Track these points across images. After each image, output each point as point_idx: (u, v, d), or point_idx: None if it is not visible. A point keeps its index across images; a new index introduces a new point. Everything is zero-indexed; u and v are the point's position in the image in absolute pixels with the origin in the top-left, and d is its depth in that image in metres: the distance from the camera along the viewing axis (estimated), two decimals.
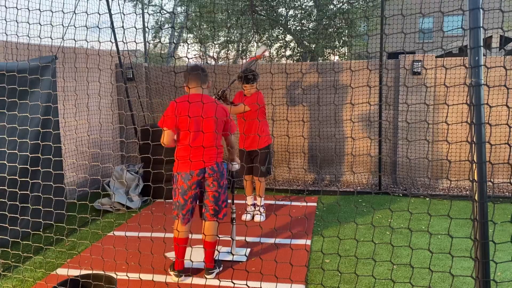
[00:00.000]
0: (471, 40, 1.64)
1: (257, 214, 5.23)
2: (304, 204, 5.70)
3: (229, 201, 4.00)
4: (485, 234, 1.77)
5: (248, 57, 13.92)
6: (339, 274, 3.72)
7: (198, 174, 3.44)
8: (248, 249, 4.25)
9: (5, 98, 3.97)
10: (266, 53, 5.38)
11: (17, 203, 3.83)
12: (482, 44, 1.64)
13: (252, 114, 4.95)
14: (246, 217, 5.25)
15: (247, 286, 2.64)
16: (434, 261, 3.97)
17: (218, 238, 3.70)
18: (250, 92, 5.01)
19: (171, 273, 3.61)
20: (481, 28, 1.63)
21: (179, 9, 16.18)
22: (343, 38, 13.28)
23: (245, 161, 5.10)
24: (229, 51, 16.06)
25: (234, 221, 4.09)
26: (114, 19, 6.46)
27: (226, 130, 3.66)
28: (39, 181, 4.29)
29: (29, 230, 4.11)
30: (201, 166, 3.42)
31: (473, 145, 1.72)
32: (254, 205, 5.37)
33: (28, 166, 3.79)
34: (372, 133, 6.58)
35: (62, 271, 3.81)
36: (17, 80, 3.94)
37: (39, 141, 4.47)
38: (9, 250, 3.72)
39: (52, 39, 2.86)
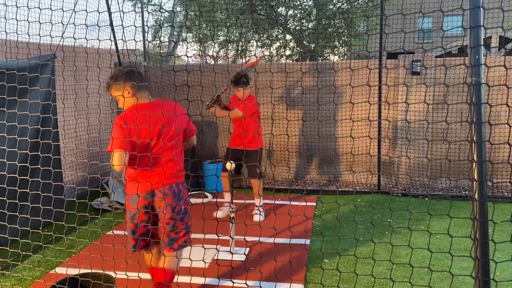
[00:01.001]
0: (471, 39, 1.64)
1: (256, 214, 5.24)
2: (304, 203, 5.70)
3: (228, 200, 3.99)
4: (485, 233, 1.77)
5: (247, 56, 13.92)
6: (338, 274, 3.72)
7: (146, 197, 2.92)
8: (247, 249, 4.25)
9: (5, 96, 3.97)
10: (265, 55, 5.41)
11: (16, 201, 3.83)
12: (482, 43, 1.64)
13: (247, 118, 4.99)
14: (217, 213, 5.28)
15: (247, 285, 2.63)
16: (433, 261, 3.97)
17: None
18: (244, 95, 5.03)
19: None
20: (482, 27, 1.63)
21: (178, 8, 16.17)
22: (343, 38, 13.29)
23: (232, 159, 5.11)
24: (229, 50, 16.06)
25: (233, 220, 4.09)
26: (113, 18, 6.46)
27: (187, 136, 3.16)
28: (39, 179, 4.28)
29: (28, 229, 4.10)
30: (148, 188, 2.89)
31: (473, 144, 1.72)
32: (229, 203, 5.40)
33: (27, 164, 3.79)
34: (372, 132, 6.59)
35: (61, 270, 3.81)
36: (16, 78, 3.93)
37: (38, 139, 4.47)
38: (7, 248, 3.71)
39: (52, 37, 2.85)
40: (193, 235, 4.22)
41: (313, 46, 13.10)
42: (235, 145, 5.16)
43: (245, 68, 5.24)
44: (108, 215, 5.43)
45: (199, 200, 5.84)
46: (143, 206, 2.93)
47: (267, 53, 5.42)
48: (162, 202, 2.92)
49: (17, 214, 3.99)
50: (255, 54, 5.24)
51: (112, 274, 2.86)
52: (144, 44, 8.55)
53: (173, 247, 3.03)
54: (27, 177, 3.70)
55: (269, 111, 6.83)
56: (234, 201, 4.23)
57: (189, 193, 6.01)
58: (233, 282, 2.57)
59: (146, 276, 3.55)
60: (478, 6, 1.61)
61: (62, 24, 2.84)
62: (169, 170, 2.91)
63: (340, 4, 13.08)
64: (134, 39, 2.63)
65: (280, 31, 14.04)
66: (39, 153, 4.26)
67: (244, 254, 4.13)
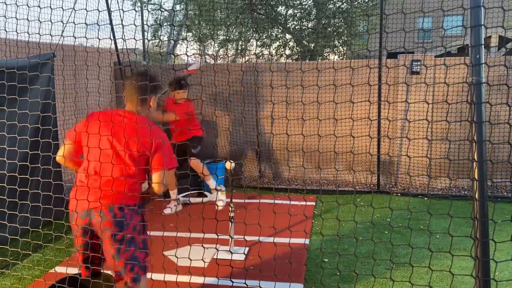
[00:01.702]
0: (472, 38, 1.64)
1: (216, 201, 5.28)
2: (303, 203, 5.70)
3: (229, 200, 3.98)
4: (486, 232, 1.77)
5: (247, 55, 13.92)
6: (338, 273, 3.72)
7: (83, 216, 2.51)
8: (247, 248, 4.25)
9: (4, 95, 3.96)
10: (202, 66, 5.58)
11: (16, 200, 3.83)
12: (483, 42, 1.64)
13: (183, 123, 5.14)
14: (165, 211, 5.41)
15: (246, 285, 2.63)
16: (433, 261, 3.97)
17: None
18: (181, 99, 5.23)
19: None
20: (483, 26, 1.63)
21: (178, 7, 16.17)
22: (343, 38, 13.30)
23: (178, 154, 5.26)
24: (228, 49, 16.05)
25: (232, 220, 4.09)
26: (113, 17, 6.45)
27: (156, 164, 2.56)
28: (38, 178, 4.28)
29: (28, 227, 4.10)
30: (86, 207, 2.49)
31: (474, 143, 1.72)
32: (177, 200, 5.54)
33: (27, 163, 3.79)
34: (372, 132, 6.59)
35: (60, 269, 3.80)
36: (16, 77, 3.93)
37: (38, 138, 4.46)
38: (7, 247, 3.71)
39: (51, 36, 2.85)
40: (192, 235, 4.22)
41: (312, 45, 13.11)
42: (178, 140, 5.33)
43: (184, 75, 5.42)
44: None
45: (198, 200, 5.84)
46: (81, 227, 2.53)
47: (203, 64, 5.75)
48: (99, 225, 2.47)
49: (17, 213, 3.99)
50: (188, 65, 5.43)
51: (111, 273, 2.85)
52: (143, 43, 8.55)
53: (125, 280, 2.57)
54: (28, 176, 3.70)
55: (269, 110, 6.83)
56: (233, 200, 4.22)
57: (185, 195, 6.01)
58: (233, 282, 2.57)
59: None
60: (479, 5, 1.61)
61: (62, 23, 2.84)
62: (115, 188, 2.48)
63: (340, 3, 13.09)
64: (134, 38, 2.63)
65: (279, 31, 14.05)
66: (39, 152, 4.26)
67: (244, 253, 4.13)
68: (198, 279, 3.59)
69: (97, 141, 2.53)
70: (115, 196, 2.48)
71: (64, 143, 2.67)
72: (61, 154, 2.66)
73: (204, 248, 3.28)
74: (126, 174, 2.51)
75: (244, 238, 2.98)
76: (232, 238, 4.09)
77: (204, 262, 3.81)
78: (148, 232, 2.70)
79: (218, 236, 3.12)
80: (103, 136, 2.52)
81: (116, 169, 2.49)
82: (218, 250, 4.06)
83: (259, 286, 3.16)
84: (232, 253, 4.10)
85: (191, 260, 2.59)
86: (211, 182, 5.41)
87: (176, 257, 3.61)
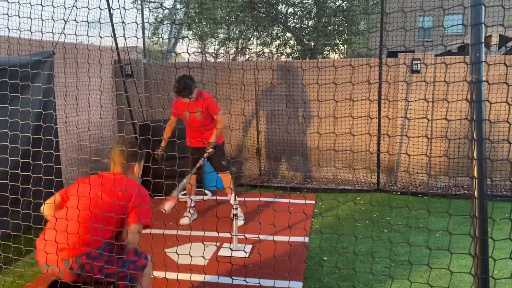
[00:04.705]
0: (472, 36, 1.65)
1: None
2: (303, 201, 5.71)
3: (230, 198, 3.98)
4: (485, 230, 1.79)
5: (247, 53, 13.92)
6: (337, 271, 3.73)
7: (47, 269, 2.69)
8: (249, 246, 4.26)
9: (7, 92, 3.97)
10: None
11: (19, 196, 3.84)
12: (483, 41, 1.65)
13: (195, 122, 4.70)
14: (183, 220, 5.02)
15: (246, 282, 2.65)
16: (432, 260, 3.98)
17: None
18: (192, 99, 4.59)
19: None
20: (483, 25, 1.64)
21: (178, 5, 16.18)
22: (343, 36, 13.31)
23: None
24: (229, 48, 16.06)
25: (236, 217, 4.10)
26: (113, 15, 6.46)
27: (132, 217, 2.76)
28: (40, 175, 4.29)
29: (30, 224, 4.11)
30: (65, 257, 2.61)
31: (473, 141, 1.73)
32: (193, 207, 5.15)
33: (30, 160, 3.80)
34: (371, 130, 6.60)
35: None
36: (18, 75, 3.94)
37: (40, 136, 4.47)
38: (10, 243, 3.72)
39: (53, 34, 2.86)
40: (193, 232, 4.24)
41: (313, 44, 13.11)
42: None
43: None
44: None
45: (199, 197, 5.86)
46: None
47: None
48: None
49: (19, 209, 4.00)
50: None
51: None
52: (143, 41, 8.56)
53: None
54: (30, 173, 3.71)
55: (269, 108, 6.84)
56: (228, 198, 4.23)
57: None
58: (233, 279, 2.58)
59: None
60: (480, 4, 1.62)
61: (64, 21, 2.85)
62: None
63: (341, 1, 13.09)
64: (136, 36, 2.64)
65: (280, 29, 14.05)
66: (41, 149, 4.27)
67: (244, 251, 4.14)
68: (199, 277, 3.61)
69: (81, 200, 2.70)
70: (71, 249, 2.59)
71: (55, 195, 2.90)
72: (51, 202, 2.95)
73: (205, 245, 3.30)
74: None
75: (244, 236, 3.00)
76: (232, 236, 4.11)
77: (205, 259, 3.82)
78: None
79: (218, 234, 3.13)
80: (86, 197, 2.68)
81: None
82: (219, 248, 4.07)
83: (259, 283, 3.17)
84: (232, 250, 4.12)
85: (191, 257, 2.60)
86: (232, 197, 4.90)
87: (177, 254, 3.61)
